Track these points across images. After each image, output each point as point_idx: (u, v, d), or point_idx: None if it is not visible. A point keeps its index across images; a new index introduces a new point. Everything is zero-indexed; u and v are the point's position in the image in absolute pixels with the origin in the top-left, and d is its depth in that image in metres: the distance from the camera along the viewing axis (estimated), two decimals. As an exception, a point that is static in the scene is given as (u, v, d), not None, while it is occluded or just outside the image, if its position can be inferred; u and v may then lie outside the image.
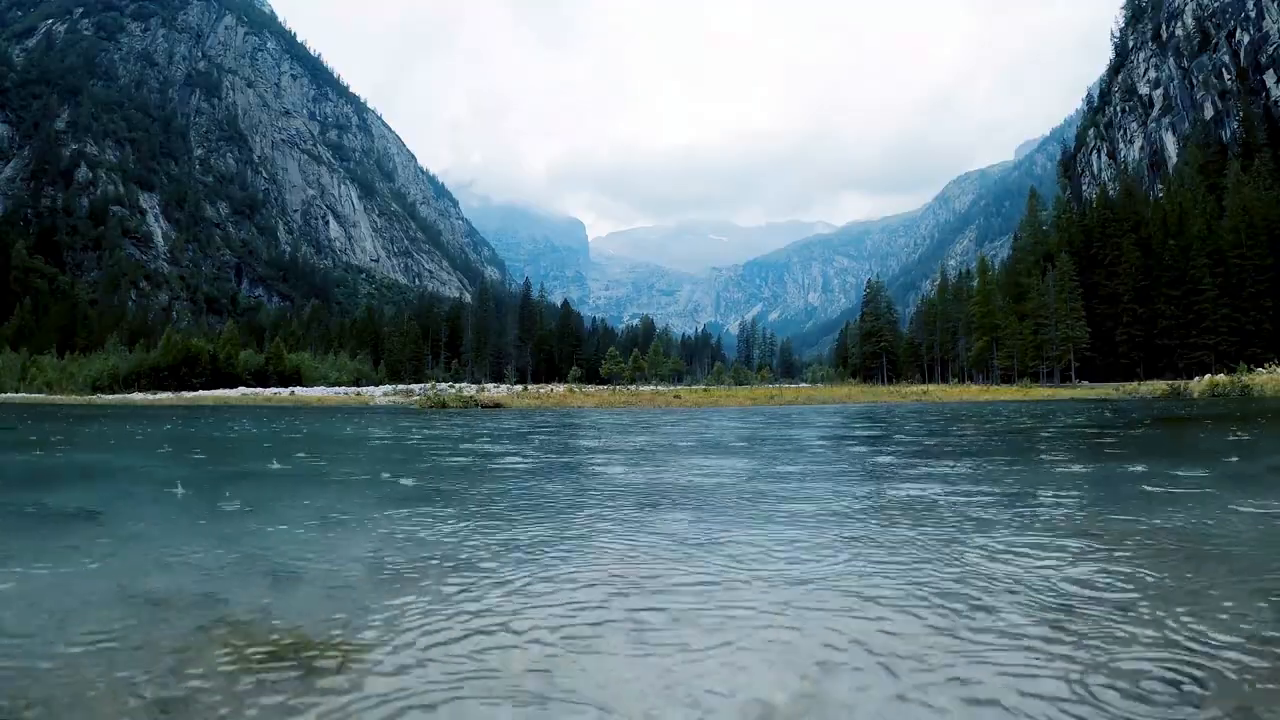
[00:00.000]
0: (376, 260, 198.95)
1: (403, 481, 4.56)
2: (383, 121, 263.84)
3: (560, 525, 3.00)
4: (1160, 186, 77.09)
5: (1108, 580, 2.02)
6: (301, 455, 6.76)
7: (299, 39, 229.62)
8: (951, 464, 5.33)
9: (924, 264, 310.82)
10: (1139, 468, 4.90)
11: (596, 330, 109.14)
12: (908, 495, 3.71)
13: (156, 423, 13.34)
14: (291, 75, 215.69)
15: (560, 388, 37.42)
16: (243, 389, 42.38)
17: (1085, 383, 46.75)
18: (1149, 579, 2.03)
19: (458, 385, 40.04)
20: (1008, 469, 5.08)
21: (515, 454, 6.59)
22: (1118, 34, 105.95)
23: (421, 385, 40.70)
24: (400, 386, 43.31)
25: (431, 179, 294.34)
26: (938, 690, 1.29)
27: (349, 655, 1.48)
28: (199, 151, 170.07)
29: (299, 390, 40.21)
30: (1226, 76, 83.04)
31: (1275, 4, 78.09)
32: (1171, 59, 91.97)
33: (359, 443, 8.71)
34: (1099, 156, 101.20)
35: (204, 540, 2.70)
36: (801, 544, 2.55)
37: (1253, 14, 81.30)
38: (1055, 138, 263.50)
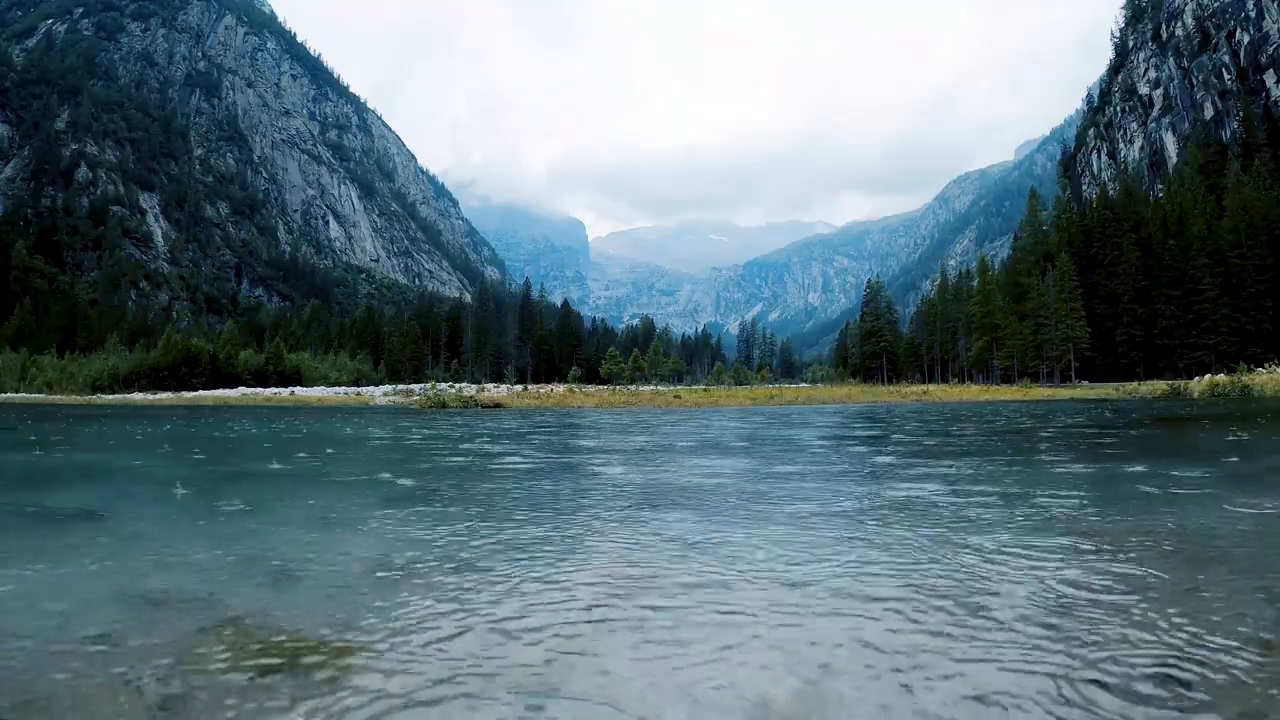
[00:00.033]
0: (376, 260, 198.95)
1: (402, 482, 4.56)
2: (383, 121, 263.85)
3: (560, 525, 3.00)
4: (1160, 186, 77.08)
5: (1107, 580, 2.02)
6: (301, 455, 6.76)
7: (299, 39, 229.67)
8: (951, 464, 5.33)
9: (924, 264, 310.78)
10: (1139, 468, 4.90)
11: (596, 330, 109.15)
12: (907, 495, 3.71)
13: (156, 423, 13.34)
14: (291, 75, 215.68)
15: (560, 388, 37.42)
16: (243, 389, 42.38)
17: (1085, 383, 46.75)
18: (1149, 579, 2.03)
19: (458, 385, 40.04)
20: (1007, 469, 5.08)
21: (515, 454, 6.59)
22: (1118, 34, 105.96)
23: (421, 385, 40.70)
24: (400, 386, 43.30)
25: (431, 179, 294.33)
26: (938, 691, 1.29)
27: (349, 655, 1.48)
28: (199, 151, 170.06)
29: (299, 390, 40.21)
30: (1226, 76, 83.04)
31: (1275, 4, 78.09)
32: (1171, 59, 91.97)
33: (359, 443, 8.71)
34: (1099, 156, 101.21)
35: (204, 540, 2.70)
36: (801, 544, 2.55)
37: (1253, 14, 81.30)
38: (1055, 138, 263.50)
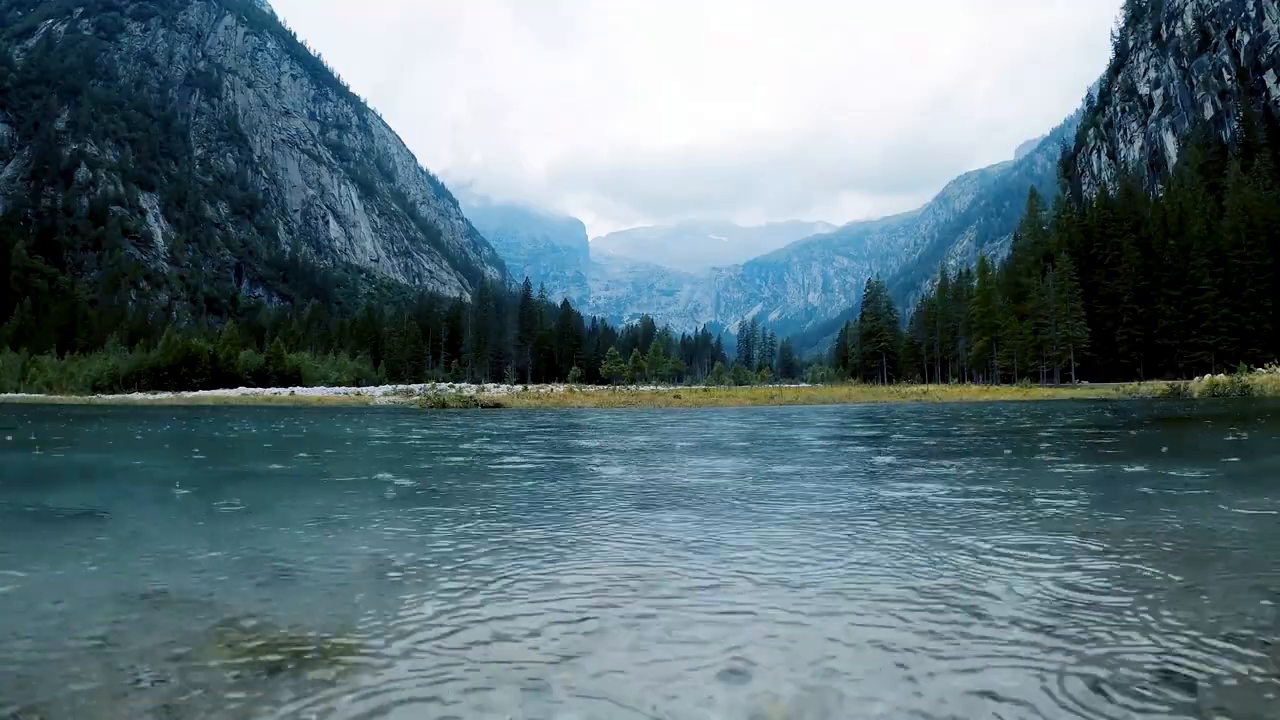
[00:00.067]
0: (376, 260, 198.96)
1: (402, 482, 4.56)
2: (383, 121, 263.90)
3: (559, 526, 3.00)
4: (1160, 186, 77.10)
5: (1107, 580, 2.02)
6: (301, 455, 6.76)
7: (299, 39, 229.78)
8: (951, 464, 5.33)
9: (924, 264, 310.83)
10: (1138, 468, 4.90)
11: (596, 330, 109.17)
12: (907, 496, 3.71)
13: (156, 423, 13.34)
14: (291, 75, 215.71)
15: (560, 388, 37.43)
16: (243, 389, 42.39)
17: (1085, 383, 46.76)
18: (1148, 579, 2.03)
19: (458, 385, 40.04)
20: (1007, 469, 5.08)
21: (515, 454, 6.59)
22: (1118, 34, 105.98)
23: (421, 385, 40.70)
24: (400, 386, 43.31)
25: (431, 179, 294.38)
26: (939, 691, 1.29)
27: (349, 655, 1.48)
28: (199, 151, 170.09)
29: (299, 390, 40.22)
30: (1226, 76, 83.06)
31: (1275, 4, 78.10)
32: (1171, 59, 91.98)
33: (359, 443, 8.71)
34: (1099, 156, 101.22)
35: (204, 540, 2.70)
36: (801, 545, 2.55)
37: (1253, 14, 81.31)
38: (1055, 138, 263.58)
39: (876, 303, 77.86)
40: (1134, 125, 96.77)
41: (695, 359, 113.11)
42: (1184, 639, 1.53)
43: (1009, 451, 6.44)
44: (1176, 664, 1.40)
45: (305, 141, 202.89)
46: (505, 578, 2.11)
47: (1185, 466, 4.89)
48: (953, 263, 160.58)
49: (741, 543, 2.58)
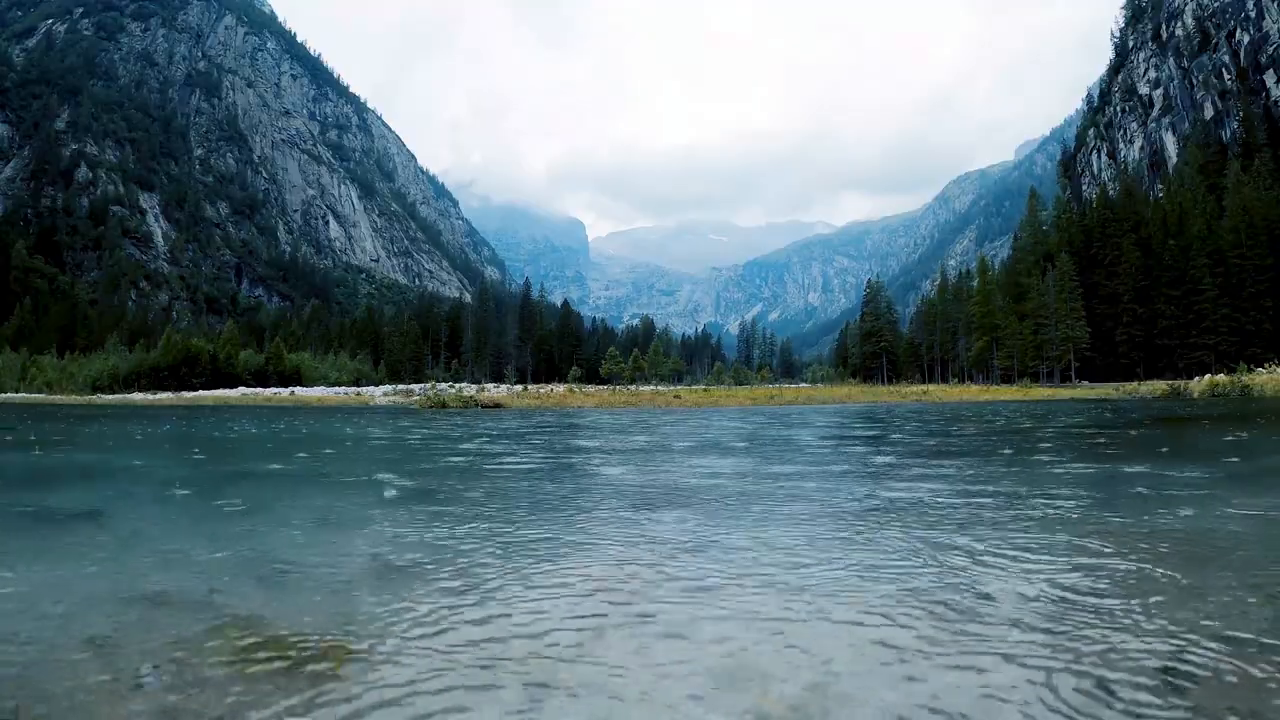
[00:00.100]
0: (376, 260, 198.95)
1: (402, 482, 4.56)
2: (383, 121, 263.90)
3: (559, 525, 3.00)
4: (1160, 186, 77.10)
5: (1106, 581, 2.02)
6: (302, 455, 6.76)
7: (299, 39, 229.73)
8: (951, 464, 5.33)
9: (924, 264, 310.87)
10: (1138, 468, 4.90)
11: (596, 330, 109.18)
12: (907, 496, 3.71)
13: (156, 423, 13.34)
14: (291, 75, 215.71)
15: (560, 388, 37.43)
16: (243, 389, 42.39)
17: (1085, 383, 46.76)
18: (1148, 579, 2.03)
19: (458, 385, 40.05)
20: (1007, 469, 5.08)
21: (515, 454, 6.59)
22: (1118, 34, 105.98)
23: (421, 385, 40.71)
24: (400, 386, 43.31)
25: (431, 179, 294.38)
26: (939, 691, 1.30)
27: (349, 655, 1.48)
28: (199, 151, 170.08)
29: (299, 390, 40.22)
30: (1226, 76, 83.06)
31: (1275, 4, 78.10)
32: (1171, 59, 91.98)
33: (359, 443, 8.71)
34: (1099, 156, 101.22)
35: (204, 540, 2.70)
36: (800, 546, 2.55)
37: (1253, 14, 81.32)
38: (1055, 138, 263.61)
39: (876, 303, 77.86)
40: (1134, 125, 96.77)
41: (695, 359, 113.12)
42: (1184, 639, 1.53)
43: (1009, 452, 6.44)
44: (1176, 664, 1.40)
45: (305, 141, 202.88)
46: (505, 578, 2.11)
47: (1185, 467, 4.89)
48: (953, 263, 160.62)
49: (741, 543, 2.58)
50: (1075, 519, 3.01)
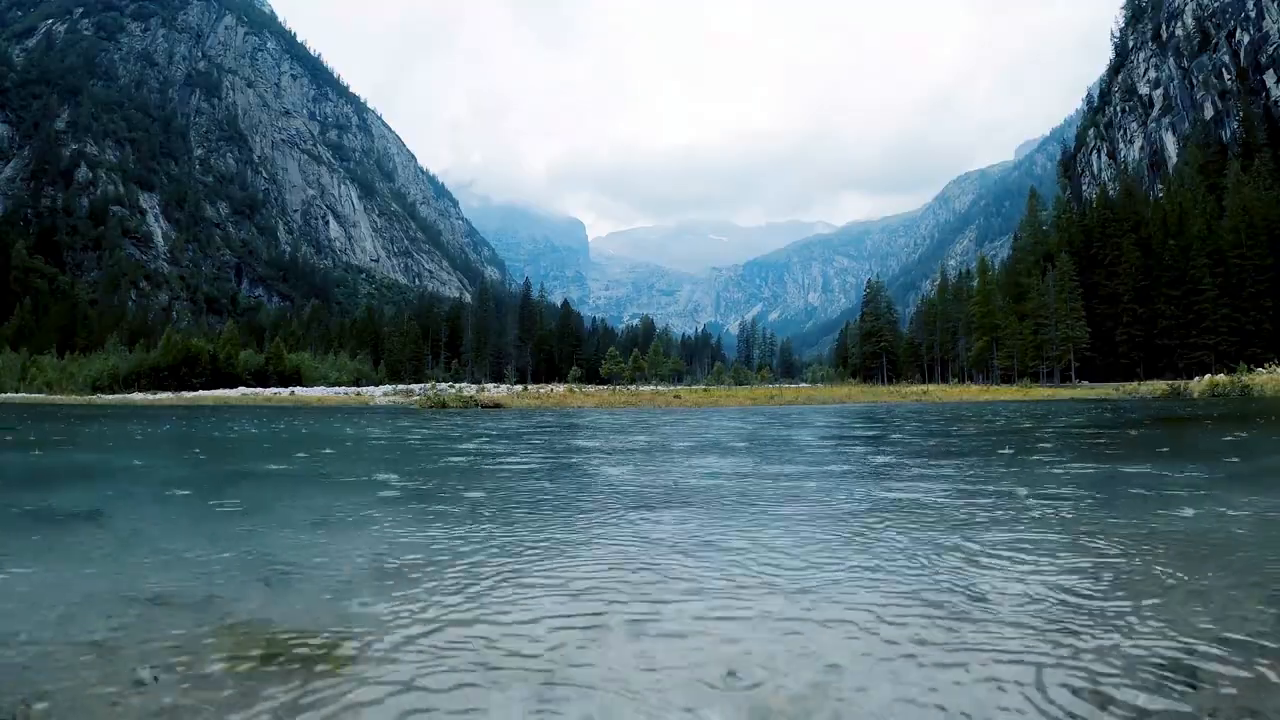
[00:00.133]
0: (376, 260, 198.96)
1: (402, 482, 4.57)
2: (383, 121, 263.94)
3: (559, 525, 3.00)
4: (1160, 186, 77.11)
5: (1105, 581, 2.02)
6: (301, 455, 6.76)
7: (299, 39, 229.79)
8: (950, 465, 5.33)
9: (924, 264, 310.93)
10: (1138, 468, 4.90)
11: (596, 330, 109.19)
12: (906, 496, 3.71)
13: (156, 423, 13.34)
14: (291, 75, 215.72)
15: (560, 388, 37.43)
16: (243, 389, 42.39)
17: (1085, 383, 46.77)
18: (1148, 580, 2.03)
19: (458, 385, 40.05)
20: (1007, 469, 5.08)
21: (514, 454, 6.59)
22: (1118, 34, 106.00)
23: (421, 385, 40.71)
24: (400, 386, 43.31)
25: (431, 179, 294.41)
26: (936, 692, 1.30)
27: (348, 655, 1.48)
28: (199, 151, 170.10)
29: (299, 390, 40.22)
30: (1226, 76, 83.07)
31: (1275, 4, 78.11)
32: (1171, 59, 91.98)
33: (359, 443, 8.71)
34: (1099, 156, 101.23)
35: (204, 540, 2.70)
36: (800, 546, 2.55)
37: (1253, 14, 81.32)
38: (1055, 138, 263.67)
39: (876, 303, 77.88)
40: (1134, 125, 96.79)
41: (695, 359, 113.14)
42: (1184, 640, 1.53)
43: (1009, 452, 6.44)
44: (1176, 665, 1.40)
45: (305, 141, 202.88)
46: (505, 578, 2.11)
47: (1185, 467, 4.89)
48: (953, 263, 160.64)
49: (740, 544, 2.58)
50: (1075, 519, 3.01)
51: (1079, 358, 54.01)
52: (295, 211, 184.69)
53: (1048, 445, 7.05)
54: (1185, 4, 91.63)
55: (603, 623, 1.69)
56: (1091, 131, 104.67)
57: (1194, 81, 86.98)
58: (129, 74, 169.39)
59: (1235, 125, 76.52)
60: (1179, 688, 1.29)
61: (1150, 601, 1.81)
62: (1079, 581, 2.01)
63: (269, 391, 38.41)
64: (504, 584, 2.05)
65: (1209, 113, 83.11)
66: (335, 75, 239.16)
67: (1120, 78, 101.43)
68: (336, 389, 42.86)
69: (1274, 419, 10.81)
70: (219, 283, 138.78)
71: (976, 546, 2.47)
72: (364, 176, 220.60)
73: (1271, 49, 78.15)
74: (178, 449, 7.84)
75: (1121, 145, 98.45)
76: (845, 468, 5.28)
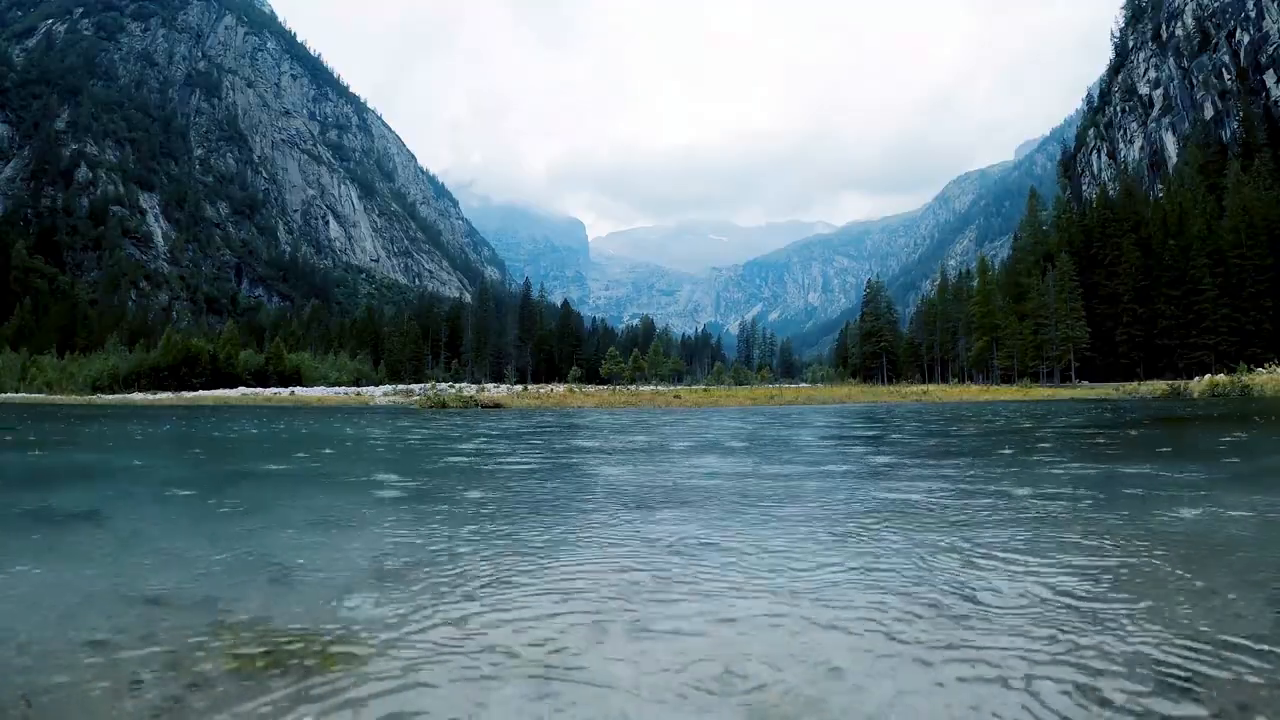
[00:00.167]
0: (376, 260, 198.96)
1: (402, 482, 4.57)
2: (383, 121, 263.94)
3: (558, 526, 3.00)
4: (1160, 186, 77.12)
5: (1105, 582, 2.02)
6: (301, 455, 6.77)
7: (299, 39, 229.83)
8: (950, 465, 5.33)
9: (924, 264, 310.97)
10: (1138, 468, 4.90)
11: (596, 330, 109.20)
12: (906, 496, 3.71)
13: (156, 423, 13.35)
14: (291, 75, 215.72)
15: (560, 388, 37.43)
16: (243, 389, 42.39)
17: (1085, 383, 46.77)
18: (1147, 580, 2.03)
19: (458, 385, 40.05)
20: (1006, 470, 5.08)
21: (514, 454, 6.59)
22: (1118, 34, 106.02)
23: (421, 385, 40.70)
24: (400, 386, 43.31)
25: (431, 179, 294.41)
26: (936, 693, 1.30)
27: (348, 655, 1.48)
28: (199, 151, 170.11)
29: (299, 390, 40.22)
30: (1226, 76, 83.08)
31: (1275, 4, 78.12)
32: (1171, 59, 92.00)
33: (359, 443, 8.71)
34: (1099, 156, 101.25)
35: (204, 540, 2.70)
36: (799, 546, 2.55)
37: (1253, 14, 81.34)
38: (1055, 138, 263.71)
39: (876, 303, 77.88)
40: (1134, 125, 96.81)
41: (695, 359, 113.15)
42: (1183, 640, 1.53)
43: (1008, 452, 6.44)
44: (1175, 665, 1.40)
45: (305, 141, 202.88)
46: (504, 578, 2.11)
47: (1185, 467, 4.89)
48: (953, 263, 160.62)
49: (740, 544, 2.58)
50: (1074, 519, 3.01)
51: (1079, 358, 54.01)
52: (295, 211, 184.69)
53: (1047, 445, 7.05)
54: (1185, 4, 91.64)
55: (602, 623, 1.69)
56: (1091, 131, 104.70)
57: (1194, 81, 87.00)
58: (129, 74, 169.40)
59: (1235, 125, 76.53)
60: (1180, 689, 1.29)
61: (1150, 602, 1.81)
62: (1078, 582, 2.01)
63: (269, 391, 38.40)
64: (503, 584, 2.05)
65: (1209, 113, 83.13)
66: (335, 75, 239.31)
67: (1120, 78, 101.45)
68: (336, 389, 42.85)
69: (1274, 419, 10.81)
70: (219, 283, 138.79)
71: (976, 547, 2.47)
72: (364, 176, 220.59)
73: (1271, 49, 78.16)
74: (178, 449, 7.84)
75: (1121, 145, 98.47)
76: (845, 468, 5.28)
